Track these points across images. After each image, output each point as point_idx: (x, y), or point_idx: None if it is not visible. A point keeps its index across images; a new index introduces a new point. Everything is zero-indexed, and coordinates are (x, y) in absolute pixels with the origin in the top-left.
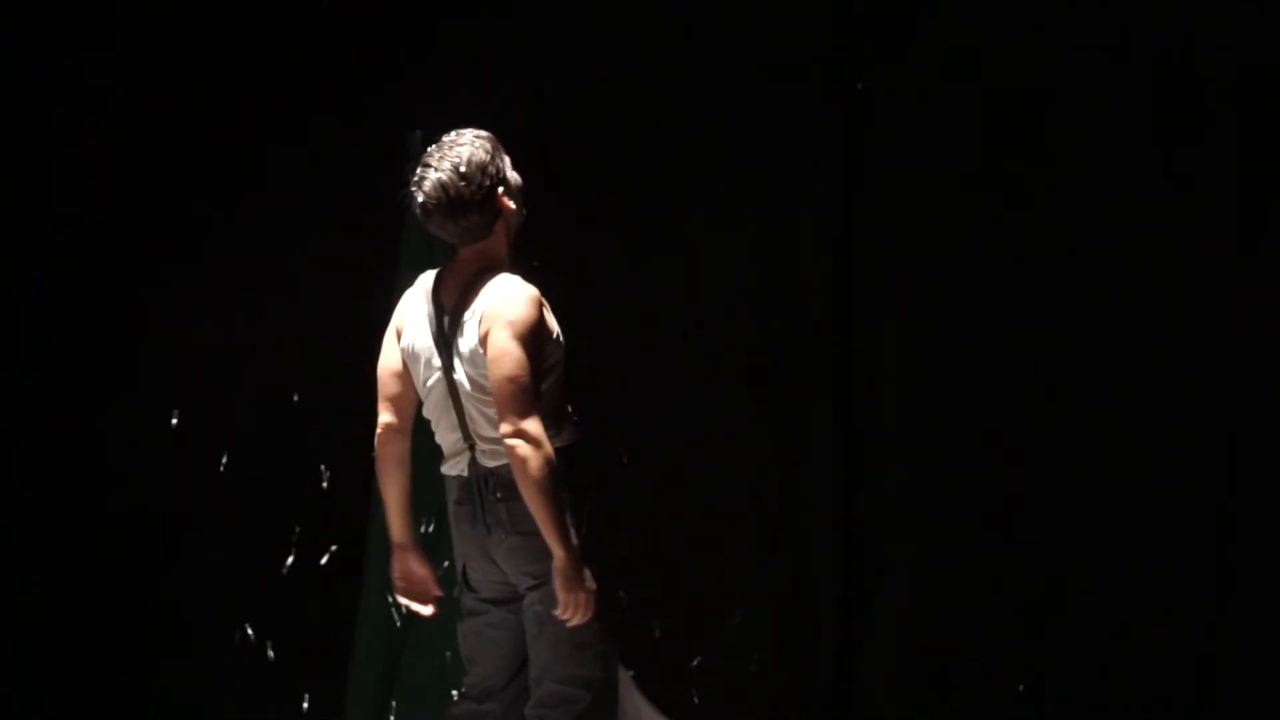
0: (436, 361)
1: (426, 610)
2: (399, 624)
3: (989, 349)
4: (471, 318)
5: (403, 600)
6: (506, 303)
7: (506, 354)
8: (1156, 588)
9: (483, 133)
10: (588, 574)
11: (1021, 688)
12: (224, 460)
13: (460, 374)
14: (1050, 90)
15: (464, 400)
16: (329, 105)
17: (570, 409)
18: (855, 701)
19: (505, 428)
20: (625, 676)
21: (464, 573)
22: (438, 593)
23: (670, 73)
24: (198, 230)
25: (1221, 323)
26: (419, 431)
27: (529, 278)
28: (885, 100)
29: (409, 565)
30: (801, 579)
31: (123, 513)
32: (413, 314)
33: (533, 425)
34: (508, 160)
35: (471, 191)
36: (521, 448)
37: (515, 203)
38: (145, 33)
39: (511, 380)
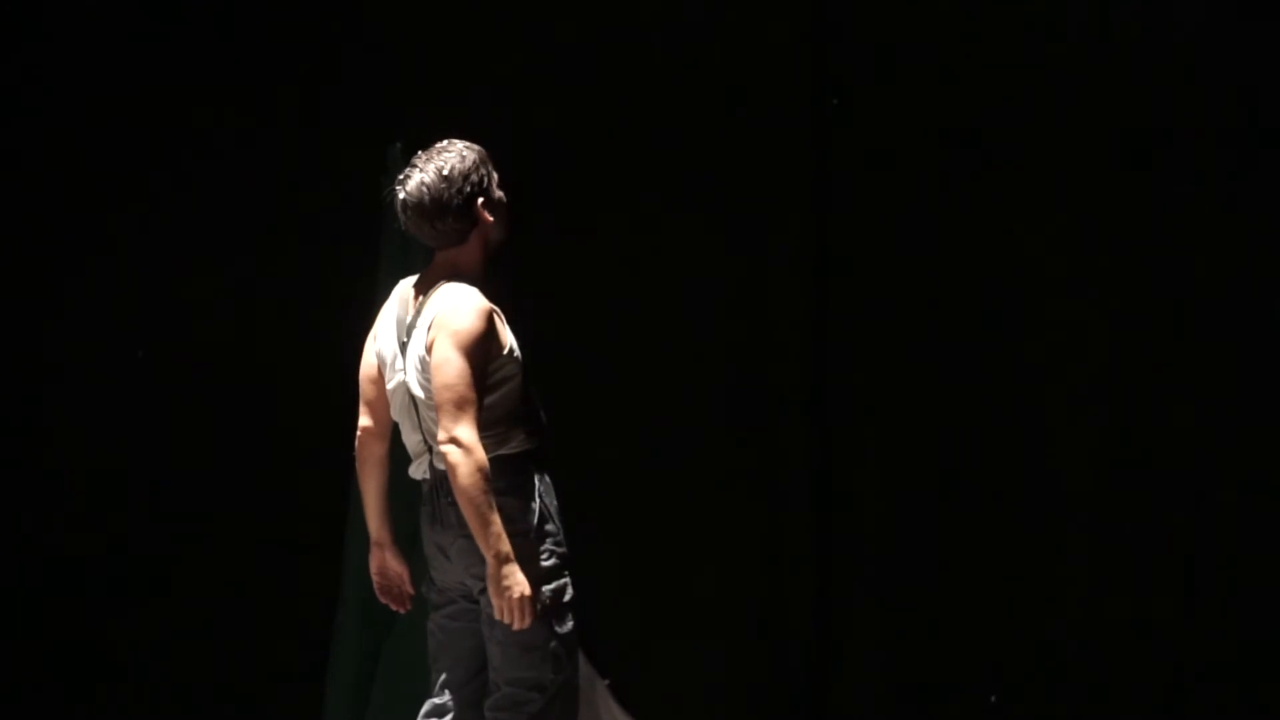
0: (399, 365)
1: (401, 607)
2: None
3: (973, 350)
4: (422, 324)
5: (380, 596)
6: (453, 313)
7: (447, 362)
8: (1152, 586)
9: (474, 145)
10: (521, 578)
11: (994, 699)
12: (199, 460)
13: (411, 379)
14: (1041, 90)
15: (419, 405)
16: (317, 111)
17: (528, 417)
18: (832, 710)
19: (440, 435)
20: (600, 685)
21: (430, 570)
22: (410, 590)
23: (652, 78)
24: (188, 229)
25: (1215, 321)
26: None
27: (492, 291)
28: (867, 106)
29: (385, 562)
30: (778, 587)
31: (105, 509)
32: (386, 318)
33: (465, 433)
34: (495, 177)
35: (450, 195)
36: (453, 454)
37: (495, 217)
38: (142, 31)
39: (448, 388)
